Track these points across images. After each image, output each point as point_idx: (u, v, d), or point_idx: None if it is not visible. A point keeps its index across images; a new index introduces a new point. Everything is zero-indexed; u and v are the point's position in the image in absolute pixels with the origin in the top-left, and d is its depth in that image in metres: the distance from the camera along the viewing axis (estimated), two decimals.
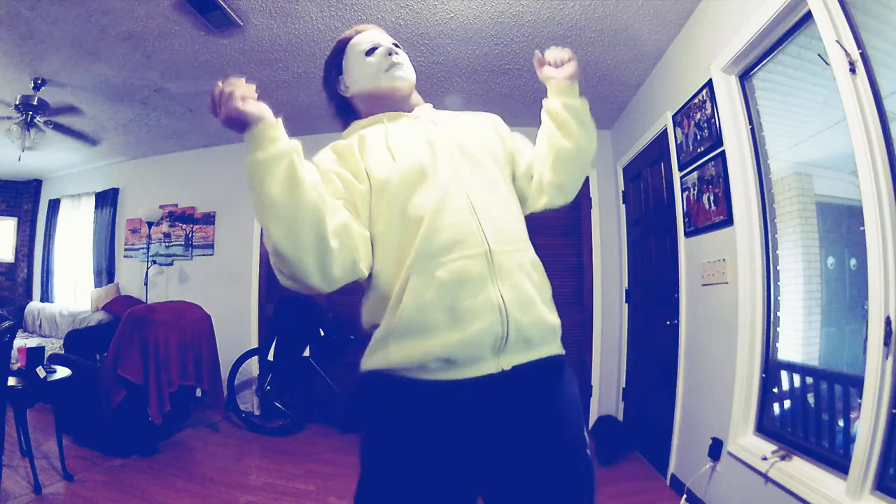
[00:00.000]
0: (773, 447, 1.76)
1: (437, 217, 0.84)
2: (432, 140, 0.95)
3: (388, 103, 1.05)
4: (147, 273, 4.39)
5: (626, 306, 3.51)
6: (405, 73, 1.05)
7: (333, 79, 1.11)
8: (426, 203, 0.86)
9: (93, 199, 5.15)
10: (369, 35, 1.07)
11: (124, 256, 4.83)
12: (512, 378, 0.82)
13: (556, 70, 1.00)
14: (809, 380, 1.77)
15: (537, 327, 0.85)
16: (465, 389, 0.80)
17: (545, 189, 1.01)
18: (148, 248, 4.49)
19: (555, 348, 0.91)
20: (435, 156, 0.92)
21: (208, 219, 4.40)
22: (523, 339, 0.83)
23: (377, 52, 1.04)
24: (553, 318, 0.91)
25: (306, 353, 3.49)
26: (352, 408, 1.05)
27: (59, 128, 3.66)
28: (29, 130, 3.29)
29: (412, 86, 1.08)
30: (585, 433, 0.89)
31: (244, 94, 0.74)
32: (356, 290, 0.94)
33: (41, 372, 2.37)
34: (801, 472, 1.59)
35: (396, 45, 1.08)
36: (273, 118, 0.76)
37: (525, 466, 0.81)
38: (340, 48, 1.09)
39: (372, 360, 0.84)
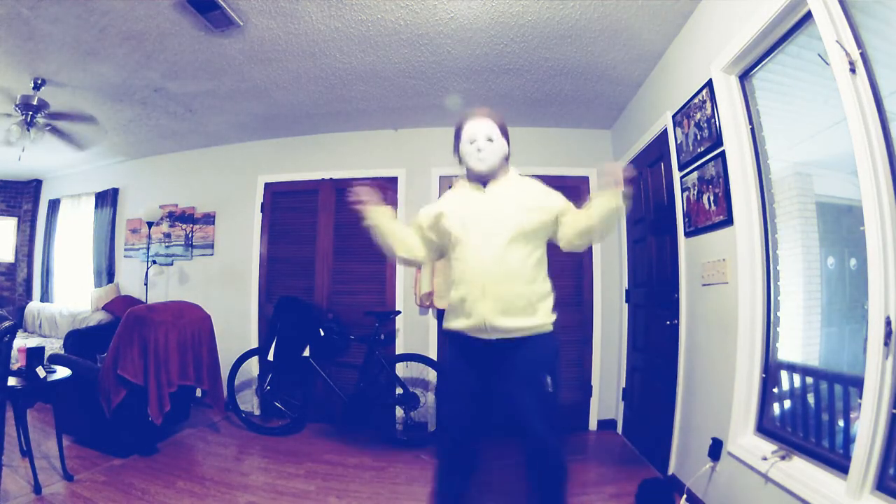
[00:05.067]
0: (773, 447, 1.76)
1: (464, 266, 1.76)
2: (477, 213, 1.77)
3: (474, 174, 1.83)
4: (147, 273, 4.39)
5: (626, 306, 3.51)
6: (483, 162, 1.78)
7: (456, 140, 1.87)
8: (461, 255, 1.78)
9: (93, 199, 5.15)
10: (474, 127, 1.80)
11: (124, 256, 4.83)
12: (494, 343, 1.73)
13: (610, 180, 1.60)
14: (809, 380, 1.77)
15: (505, 328, 1.70)
16: (475, 342, 1.77)
17: (563, 243, 1.83)
18: (148, 248, 4.50)
19: (522, 332, 1.71)
20: (470, 228, 1.76)
21: (208, 219, 4.40)
22: (495, 329, 1.71)
23: (474, 143, 1.78)
24: (517, 324, 1.70)
25: (306, 353, 3.48)
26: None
27: (56, 131, 3.67)
28: (29, 130, 3.29)
29: (490, 168, 1.80)
30: (546, 379, 1.71)
31: (366, 198, 1.80)
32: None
33: (41, 372, 2.37)
34: (801, 472, 1.59)
35: (490, 139, 1.78)
36: (377, 209, 1.82)
37: (502, 381, 1.75)
38: (461, 125, 1.84)
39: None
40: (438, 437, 1.95)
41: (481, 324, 1.72)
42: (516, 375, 1.72)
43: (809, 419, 1.73)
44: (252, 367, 3.85)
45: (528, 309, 1.71)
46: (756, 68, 1.96)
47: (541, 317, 1.72)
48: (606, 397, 3.61)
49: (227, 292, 4.17)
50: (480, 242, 1.77)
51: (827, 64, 1.46)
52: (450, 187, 2.05)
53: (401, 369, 3.53)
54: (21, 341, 3.89)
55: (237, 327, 4.04)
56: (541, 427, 1.67)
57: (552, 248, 1.88)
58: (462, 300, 1.76)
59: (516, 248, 1.76)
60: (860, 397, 1.36)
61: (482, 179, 1.87)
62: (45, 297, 5.43)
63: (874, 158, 1.32)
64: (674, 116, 2.55)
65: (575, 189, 3.75)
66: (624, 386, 3.45)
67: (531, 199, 1.81)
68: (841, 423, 1.57)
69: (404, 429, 3.49)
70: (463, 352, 1.82)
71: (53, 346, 4.17)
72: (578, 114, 3.57)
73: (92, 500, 2.18)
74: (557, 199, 1.85)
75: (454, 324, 1.82)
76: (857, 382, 1.39)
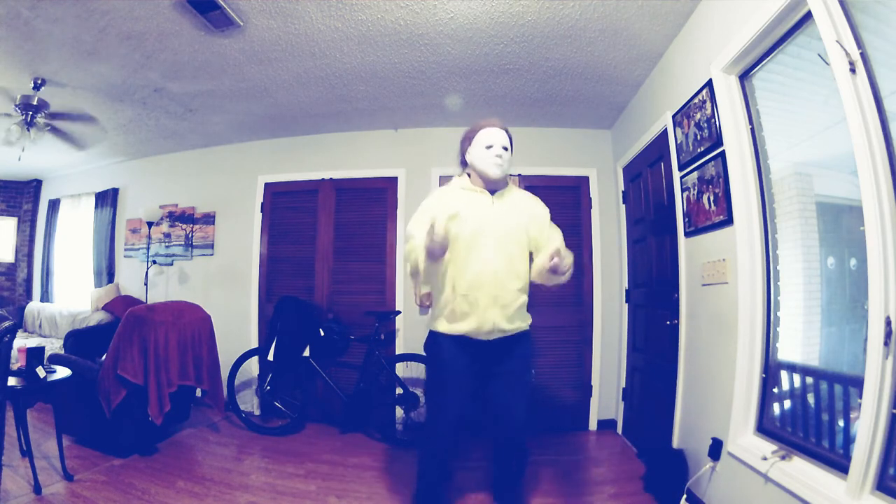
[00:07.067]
0: (774, 447, 1.76)
1: (474, 271, 1.82)
2: (490, 220, 1.85)
3: (484, 179, 1.91)
4: (147, 273, 4.39)
5: (626, 306, 3.51)
6: (501, 169, 1.87)
7: (466, 144, 1.96)
8: (467, 261, 1.83)
9: (93, 199, 5.15)
10: (492, 134, 1.88)
11: (124, 256, 4.83)
12: (492, 341, 1.89)
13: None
14: (809, 380, 1.77)
15: (508, 330, 1.88)
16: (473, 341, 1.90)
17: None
18: (148, 248, 4.50)
19: (516, 331, 1.90)
20: (484, 234, 1.83)
21: (208, 219, 4.40)
22: (499, 331, 1.87)
23: (492, 149, 1.86)
24: (516, 326, 1.90)
25: (306, 353, 3.48)
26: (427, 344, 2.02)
27: (56, 131, 3.67)
28: (29, 130, 3.29)
29: (504, 176, 1.90)
30: (532, 373, 2.03)
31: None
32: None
33: (41, 372, 2.37)
34: (801, 472, 1.59)
35: (506, 148, 1.88)
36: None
37: (495, 374, 1.91)
38: (475, 131, 1.93)
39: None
40: (430, 435, 1.98)
41: (489, 329, 1.84)
42: (511, 374, 1.91)
43: (809, 419, 1.73)
44: (252, 367, 3.85)
45: (521, 311, 1.92)
46: (756, 68, 1.96)
47: (527, 319, 1.98)
48: (606, 397, 3.61)
49: (227, 292, 4.17)
50: (492, 250, 1.84)
51: (827, 64, 1.46)
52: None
53: (401, 369, 3.53)
54: (21, 341, 3.89)
55: (237, 327, 4.04)
56: (522, 419, 1.91)
57: None
58: (473, 306, 1.83)
59: (522, 257, 1.90)
60: (860, 397, 1.36)
61: (490, 187, 1.94)
62: (45, 297, 5.43)
63: (874, 158, 1.32)
64: (674, 116, 2.55)
65: (575, 189, 3.76)
66: (624, 386, 3.44)
67: (530, 214, 1.96)
68: (841, 423, 1.57)
69: (404, 429, 3.49)
70: (462, 350, 1.88)
71: (53, 346, 4.18)
72: (578, 114, 3.57)
73: (92, 500, 2.18)
74: (546, 216, 2.02)
75: (456, 328, 1.87)
76: (857, 382, 1.40)
